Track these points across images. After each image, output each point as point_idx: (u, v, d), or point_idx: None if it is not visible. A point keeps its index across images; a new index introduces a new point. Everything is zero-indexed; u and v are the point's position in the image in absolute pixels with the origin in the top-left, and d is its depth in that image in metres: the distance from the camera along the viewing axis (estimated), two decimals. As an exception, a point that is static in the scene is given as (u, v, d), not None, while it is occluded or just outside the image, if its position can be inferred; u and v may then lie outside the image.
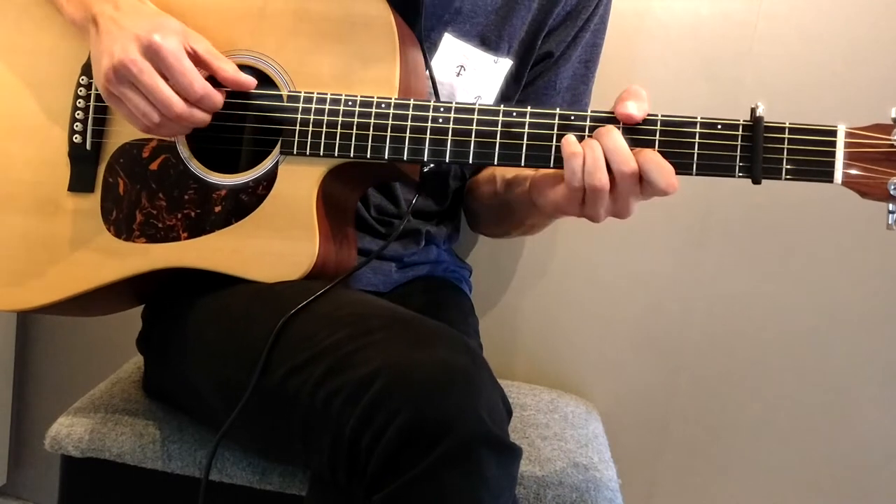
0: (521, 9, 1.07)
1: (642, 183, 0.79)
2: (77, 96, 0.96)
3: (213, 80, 0.89)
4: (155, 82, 0.84)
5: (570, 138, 0.81)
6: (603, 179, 0.79)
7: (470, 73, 1.06)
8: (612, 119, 0.82)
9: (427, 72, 0.99)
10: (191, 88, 0.85)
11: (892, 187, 0.76)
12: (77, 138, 0.95)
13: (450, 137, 0.85)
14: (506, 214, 1.09)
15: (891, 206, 0.77)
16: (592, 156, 0.79)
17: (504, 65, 1.08)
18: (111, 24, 0.86)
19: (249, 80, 0.90)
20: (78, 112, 0.95)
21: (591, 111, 0.82)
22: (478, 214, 1.22)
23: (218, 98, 0.88)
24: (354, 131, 0.87)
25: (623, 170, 0.78)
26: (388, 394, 0.70)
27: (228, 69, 0.89)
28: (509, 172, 1.04)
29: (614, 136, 0.79)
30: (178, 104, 0.85)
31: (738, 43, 1.35)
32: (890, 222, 0.77)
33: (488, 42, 1.07)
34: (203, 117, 0.88)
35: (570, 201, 0.82)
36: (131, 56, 0.83)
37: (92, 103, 0.95)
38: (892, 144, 0.76)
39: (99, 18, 0.87)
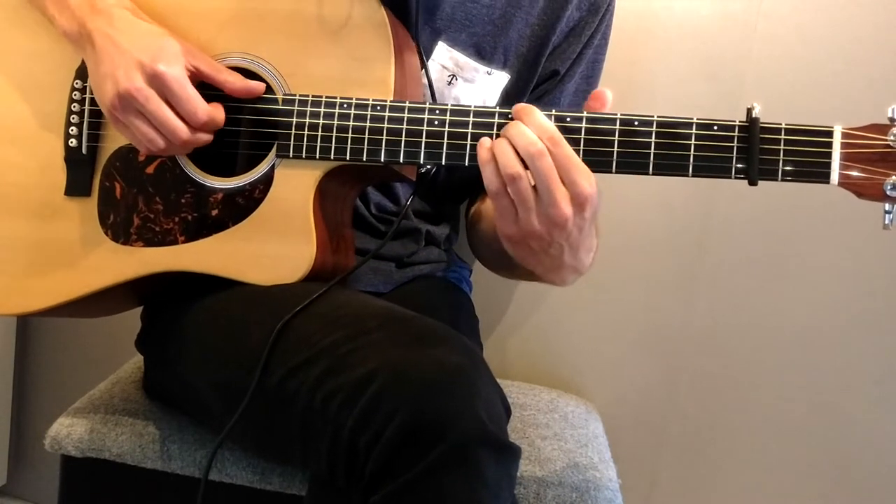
0: (518, 21, 1.06)
1: (557, 160, 0.77)
2: (72, 100, 0.96)
3: (206, 85, 0.89)
4: (161, 111, 0.85)
5: (483, 142, 0.80)
6: (515, 167, 0.77)
7: (462, 84, 1.05)
8: (607, 119, 0.81)
9: (423, 72, 0.99)
10: (195, 115, 0.86)
11: (889, 187, 0.75)
12: (73, 142, 0.95)
13: (445, 140, 0.85)
14: (507, 267, 1.04)
15: (887, 206, 0.76)
16: (501, 149, 0.78)
17: (499, 78, 1.07)
18: (109, 45, 0.86)
19: (259, 86, 0.90)
20: (73, 116, 0.96)
21: (587, 113, 0.82)
22: (481, 255, 1.17)
23: (220, 118, 0.89)
24: (350, 134, 0.87)
25: (529, 150, 0.77)
26: (385, 394, 0.70)
27: (235, 81, 0.90)
28: None
29: (517, 125, 0.79)
30: (183, 131, 0.86)
31: (738, 43, 1.34)
32: (886, 222, 0.77)
33: (483, 53, 1.06)
34: (206, 139, 0.89)
35: (505, 216, 0.80)
36: (136, 84, 0.84)
37: (87, 107, 0.95)
38: (889, 145, 0.75)
39: (95, 35, 0.87)
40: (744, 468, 1.44)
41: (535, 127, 0.78)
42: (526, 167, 0.77)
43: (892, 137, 0.75)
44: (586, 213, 0.78)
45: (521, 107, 0.81)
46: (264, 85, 0.91)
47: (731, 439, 1.44)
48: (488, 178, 0.79)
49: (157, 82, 0.84)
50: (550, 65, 1.10)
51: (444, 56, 1.04)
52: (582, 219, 0.78)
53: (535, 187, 0.78)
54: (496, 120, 0.84)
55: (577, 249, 0.82)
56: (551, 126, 0.78)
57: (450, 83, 1.05)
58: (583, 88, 1.13)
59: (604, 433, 1.25)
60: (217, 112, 0.88)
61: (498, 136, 0.82)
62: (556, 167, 0.77)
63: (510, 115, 0.83)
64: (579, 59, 1.11)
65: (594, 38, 1.10)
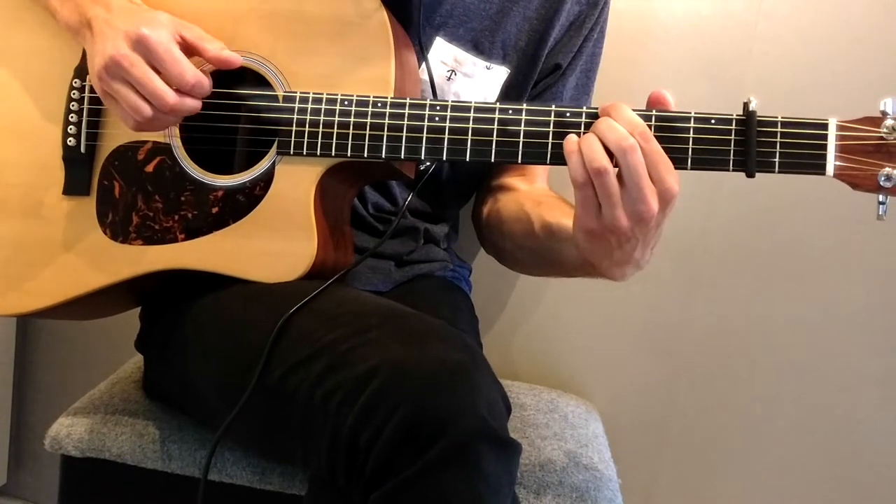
0: (515, 15, 1.07)
1: (647, 156, 0.76)
2: (70, 99, 0.96)
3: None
4: (146, 74, 0.84)
5: (570, 137, 0.80)
6: (602, 161, 0.76)
7: (461, 78, 1.06)
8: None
9: (423, 67, 0.99)
10: (182, 77, 0.85)
11: (883, 178, 0.76)
12: (71, 141, 0.95)
13: (446, 136, 0.85)
14: (551, 264, 1.02)
15: (881, 198, 0.77)
16: (588, 143, 0.77)
17: (499, 72, 1.08)
18: (104, 26, 0.86)
19: (235, 57, 0.89)
20: (72, 115, 0.95)
21: (586, 108, 0.82)
22: (510, 255, 1.13)
23: (206, 83, 0.87)
24: (351, 131, 0.87)
25: (621, 144, 0.76)
26: (386, 391, 0.70)
27: (212, 47, 0.88)
28: (547, 215, 0.98)
29: (608, 120, 0.78)
30: (170, 95, 0.85)
31: (738, 43, 1.35)
32: (880, 213, 0.77)
33: (481, 47, 1.06)
34: (194, 105, 0.87)
35: (587, 210, 0.79)
36: (122, 51, 0.83)
37: (86, 106, 0.96)
38: (882, 136, 0.76)
39: (93, 22, 0.87)
40: (744, 468, 1.44)
41: (624, 122, 0.77)
42: (613, 163, 0.77)
43: (885, 129, 0.76)
44: (667, 210, 0.79)
45: (610, 104, 0.80)
46: (241, 58, 0.90)
47: (731, 439, 1.44)
48: (574, 167, 0.78)
49: (141, 47, 0.84)
50: (552, 59, 1.10)
51: (442, 51, 1.05)
52: (663, 215, 0.79)
53: (621, 183, 0.77)
54: (496, 115, 0.84)
55: (648, 245, 0.83)
56: (641, 122, 0.78)
57: (449, 78, 1.05)
58: (582, 82, 1.14)
59: (604, 433, 1.25)
60: (204, 77, 0.87)
61: (499, 130, 0.83)
62: (646, 162, 0.76)
63: (510, 111, 0.84)
64: (580, 52, 1.11)
65: (594, 31, 1.11)
